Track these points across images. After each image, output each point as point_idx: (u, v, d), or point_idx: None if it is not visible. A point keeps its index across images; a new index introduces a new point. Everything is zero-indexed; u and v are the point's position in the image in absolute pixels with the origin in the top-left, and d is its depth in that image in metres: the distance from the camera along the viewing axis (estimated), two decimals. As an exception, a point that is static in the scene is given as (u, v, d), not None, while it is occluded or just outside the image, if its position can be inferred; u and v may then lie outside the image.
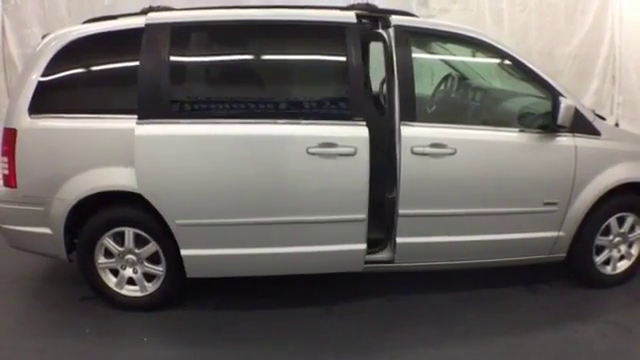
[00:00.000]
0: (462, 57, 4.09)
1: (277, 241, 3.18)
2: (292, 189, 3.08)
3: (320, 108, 3.20)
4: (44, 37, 3.38)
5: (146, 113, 2.99)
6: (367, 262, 3.40)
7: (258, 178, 3.04)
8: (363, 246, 3.23)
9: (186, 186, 3.02)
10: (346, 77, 3.13)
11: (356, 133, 3.05)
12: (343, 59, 3.12)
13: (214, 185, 3.03)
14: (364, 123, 3.07)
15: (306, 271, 3.39)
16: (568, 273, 3.80)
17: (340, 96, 3.25)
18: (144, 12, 3.31)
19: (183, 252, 3.16)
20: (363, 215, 3.14)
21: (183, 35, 3.08)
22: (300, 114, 3.13)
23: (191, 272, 3.28)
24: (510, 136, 3.34)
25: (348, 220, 3.16)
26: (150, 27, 3.05)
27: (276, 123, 3.06)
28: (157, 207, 3.06)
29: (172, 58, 3.04)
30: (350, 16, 3.19)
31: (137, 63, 3.08)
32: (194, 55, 3.21)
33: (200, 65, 3.28)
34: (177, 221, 3.08)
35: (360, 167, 3.05)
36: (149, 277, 3.41)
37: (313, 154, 3.00)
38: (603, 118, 3.80)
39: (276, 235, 3.17)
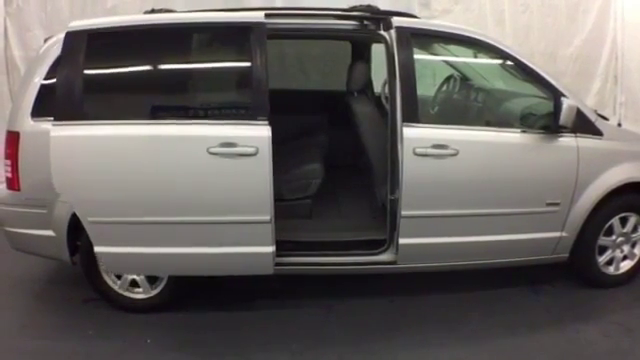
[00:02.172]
0: (464, 58, 4.09)
1: (185, 241, 3.14)
2: (195, 189, 3.05)
3: (223, 108, 3.18)
4: (47, 40, 3.40)
5: (61, 115, 3.00)
6: (370, 263, 3.40)
7: (162, 178, 3.02)
8: (270, 249, 3.14)
9: (95, 185, 3.01)
10: (250, 77, 3.09)
11: (257, 133, 3.00)
12: (248, 59, 3.09)
13: (121, 184, 3.02)
14: (266, 123, 3.02)
15: (216, 273, 3.34)
16: (571, 273, 3.80)
17: (243, 96, 3.24)
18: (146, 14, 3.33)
19: (96, 249, 3.13)
20: (267, 217, 3.07)
21: (97, 41, 3.09)
22: (204, 114, 3.14)
23: (106, 268, 3.27)
24: (512, 137, 3.34)
25: (252, 222, 3.09)
26: (69, 34, 3.07)
27: (180, 123, 3.07)
28: (71, 204, 3.07)
29: (86, 63, 3.04)
30: (257, 16, 3.15)
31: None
32: (107, 60, 3.20)
33: (111, 69, 3.26)
34: (89, 218, 3.06)
35: (262, 167, 3.00)
36: (152, 279, 3.42)
37: (214, 154, 2.97)
38: (606, 118, 3.80)
39: (183, 235, 3.13)
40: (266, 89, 3.06)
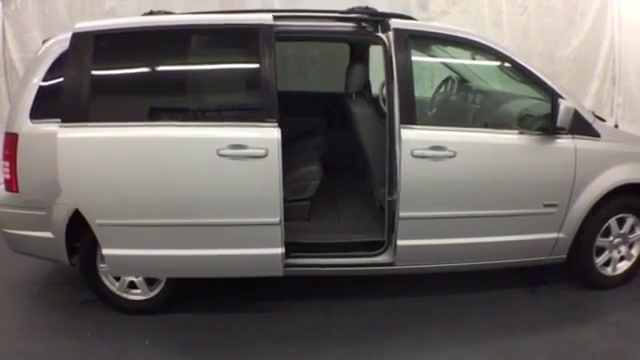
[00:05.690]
0: (462, 60, 4.10)
1: (194, 243, 3.14)
2: (205, 191, 3.05)
3: (232, 110, 3.21)
4: (45, 42, 3.40)
5: (68, 117, 3.00)
6: (368, 265, 3.41)
7: (172, 180, 3.02)
8: (279, 250, 3.14)
9: (103, 187, 3.01)
10: (259, 79, 3.09)
11: (267, 135, 3.00)
12: (256, 61, 3.08)
13: (130, 187, 3.02)
14: (276, 125, 3.02)
15: (226, 274, 3.33)
16: (568, 274, 3.81)
17: (252, 98, 3.24)
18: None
19: (105, 251, 3.14)
20: (277, 219, 3.08)
21: (104, 42, 3.10)
22: (213, 116, 3.17)
23: (114, 271, 3.28)
24: (510, 138, 3.35)
25: (261, 223, 3.09)
26: (76, 35, 3.07)
27: (189, 125, 3.08)
28: (78, 206, 3.07)
29: (93, 64, 3.04)
30: (265, 18, 3.15)
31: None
32: (114, 61, 3.20)
33: (119, 71, 3.25)
34: (97, 221, 3.06)
35: (271, 169, 3.00)
36: (150, 281, 3.42)
37: (223, 156, 2.97)
38: (603, 119, 3.81)
39: (193, 237, 3.13)
40: (275, 91, 3.06)
